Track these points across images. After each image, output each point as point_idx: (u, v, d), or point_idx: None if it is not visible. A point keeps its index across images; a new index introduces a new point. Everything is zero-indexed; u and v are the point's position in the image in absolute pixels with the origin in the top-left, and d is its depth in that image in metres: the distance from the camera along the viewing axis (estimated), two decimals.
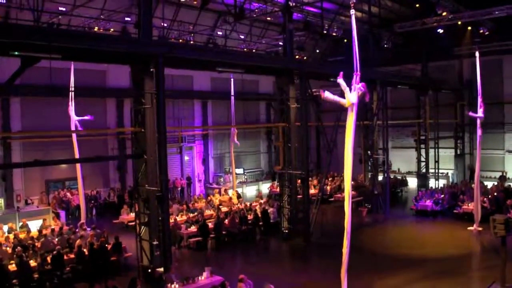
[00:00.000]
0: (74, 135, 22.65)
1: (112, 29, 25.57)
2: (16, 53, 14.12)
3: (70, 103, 22.29)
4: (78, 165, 23.16)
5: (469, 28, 33.39)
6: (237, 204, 27.25)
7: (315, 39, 33.18)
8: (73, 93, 22.19)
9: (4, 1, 23.34)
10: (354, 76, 12.42)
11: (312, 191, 28.70)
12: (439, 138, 34.32)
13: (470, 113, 24.11)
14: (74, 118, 22.39)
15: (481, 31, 31.86)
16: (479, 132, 22.97)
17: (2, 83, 17.68)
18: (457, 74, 37.62)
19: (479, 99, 22.55)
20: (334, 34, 32.77)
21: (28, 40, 13.44)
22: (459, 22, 30.33)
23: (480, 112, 22.52)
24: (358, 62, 12.44)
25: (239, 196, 29.99)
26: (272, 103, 38.79)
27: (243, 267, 18.67)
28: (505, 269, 14.16)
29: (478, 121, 22.78)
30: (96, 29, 24.98)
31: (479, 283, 16.28)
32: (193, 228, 22.08)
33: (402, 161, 39.30)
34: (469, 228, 23.42)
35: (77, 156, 22.61)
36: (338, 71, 12.69)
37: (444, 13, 29.55)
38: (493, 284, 14.06)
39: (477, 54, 23.34)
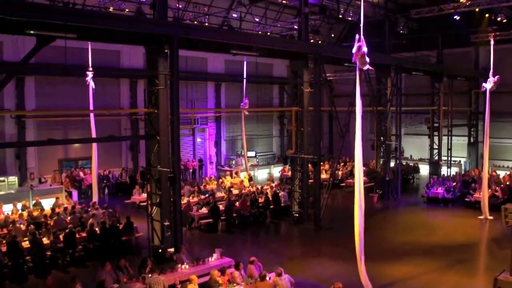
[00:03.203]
0: (92, 114, 22.73)
1: (127, 10, 25.53)
2: (32, 32, 14.15)
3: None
4: (94, 145, 23.31)
5: (487, 15, 32.92)
6: (248, 187, 27.34)
7: (330, 23, 32.96)
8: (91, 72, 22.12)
9: None
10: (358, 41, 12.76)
11: (323, 176, 28.72)
12: (452, 126, 34.08)
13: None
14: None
15: (499, 18, 31.36)
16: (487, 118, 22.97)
17: (17, 61, 17.85)
18: (472, 61, 37.22)
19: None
20: (350, 18, 32.47)
21: (44, 19, 13.47)
22: (477, 9, 29.89)
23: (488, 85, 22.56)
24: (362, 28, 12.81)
25: (250, 179, 30.09)
26: (285, 86, 38.67)
27: (253, 250, 18.80)
28: None
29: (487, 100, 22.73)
30: (111, 9, 24.94)
31: (488, 272, 16.23)
32: (204, 210, 22.22)
33: (414, 148, 39.17)
34: (479, 217, 23.37)
35: (94, 135, 22.71)
36: (353, 56, 12.76)
37: (462, 0, 29.12)
38: (502, 272, 14.01)
39: (492, 42, 23.12)
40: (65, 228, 17.90)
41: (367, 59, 12.96)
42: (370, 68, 13.41)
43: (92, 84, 21.95)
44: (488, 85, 22.73)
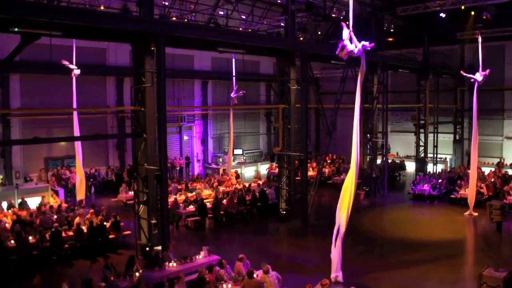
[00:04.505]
0: (75, 113, 22.60)
1: (113, 7, 25.36)
2: (16, 29, 14.03)
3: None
4: (77, 143, 23.16)
5: (472, 13, 33.15)
6: (235, 185, 27.34)
7: (317, 21, 32.98)
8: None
9: None
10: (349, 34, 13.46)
11: (310, 173, 28.79)
12: (438, 123, 34.33)
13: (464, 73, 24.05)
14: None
15: (484, 16, 31.62)
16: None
17: (1, 59, 17.67)
18: (458, 59, 37.50)
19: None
20: (336, 16, 32.52)
21: (28, 16, 13.35)
22: (462, 7, 30.12)
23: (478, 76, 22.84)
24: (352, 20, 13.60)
25: (237, 177, 30.09)
26: (272, 84, 38.74)
27: (240, 247, 18.79)
28: (500, 254, 14.31)
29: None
30: (96, 6, 24.78)
31: (473, 268, 16.46)
32: (191, 208, 22.20)
33: (401, 145, 39.40)
34: (465, 214, 23.57)
35: (77, 133, 22.56)
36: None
37: None
38: (487, 268, 14.20)
39: (479, 39, 23.30)
40: (51, 227, 17.79)
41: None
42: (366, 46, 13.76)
43: (76, 72, 21.81)
44: (478, 77, 22.91)
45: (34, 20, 13.56)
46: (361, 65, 14.36)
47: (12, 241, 16.59)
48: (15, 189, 22.73)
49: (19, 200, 21.75)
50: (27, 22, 13.63)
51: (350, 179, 14.74)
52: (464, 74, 24.17)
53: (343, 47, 13.32)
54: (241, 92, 29.66)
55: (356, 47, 13.55)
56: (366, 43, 13.63)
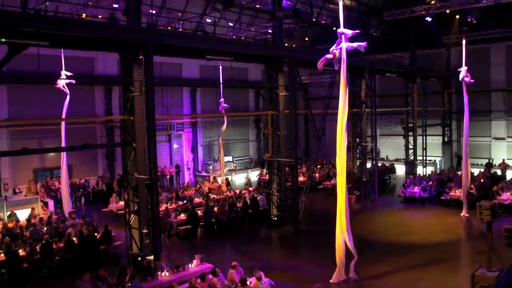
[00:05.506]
0: (63, 123, 22.49)
1: (100, 16, 25.31)
2: (3, 39, 13.94)
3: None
4: (63, 154, 23.04)
5: (457, 16, 33.47)
6: (226, 192, 27.29)
7: (304, 27, 33.13)
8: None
9: None
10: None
11: (301, 178, 28.76)
12: (427, 126, 34.56)
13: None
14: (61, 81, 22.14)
15: (469, 19, 31.93)
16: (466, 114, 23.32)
17: None
18: (445, 62, 37.82)
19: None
20: (323, 22, 32.68)
21: (15, 27, 13.29)
22: (448, 11, 30.40)
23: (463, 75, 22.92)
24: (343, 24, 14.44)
25: (228, 184, 30.04)
26: (261, 91, 38.80)
27: (233, 255, 18.76)
28: (491, 254, 14.37)
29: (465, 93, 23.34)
30: (84, 15, 24.71)
31: (466, 268, 16.47)
32: (183, 216, 22.10)
33: (390, 148, 39.58)
34: (461, 214, 23.65)
35: (63, 144, 22.45)
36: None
37: (433, 1, 29.59)
38: (479, 268, 14.25)
39: (463, 42, 23.50)
40: (41, 238, 17.63)
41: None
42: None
43: (65, 88, 21.84)
44: (462, 74, 23.02)
45: (21, 30, 13.50)
46: (342, 70, 14.49)
47: (2, 255, 16.41)
48: (3, 201, 22.48)
49: (8, 213, 21.53)
50: (14, 32, 13.57)
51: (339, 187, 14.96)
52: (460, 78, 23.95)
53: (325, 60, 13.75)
54: (226, 105, 29.64)
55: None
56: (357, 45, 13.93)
